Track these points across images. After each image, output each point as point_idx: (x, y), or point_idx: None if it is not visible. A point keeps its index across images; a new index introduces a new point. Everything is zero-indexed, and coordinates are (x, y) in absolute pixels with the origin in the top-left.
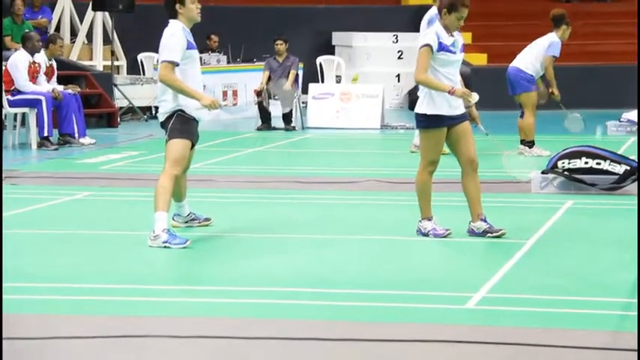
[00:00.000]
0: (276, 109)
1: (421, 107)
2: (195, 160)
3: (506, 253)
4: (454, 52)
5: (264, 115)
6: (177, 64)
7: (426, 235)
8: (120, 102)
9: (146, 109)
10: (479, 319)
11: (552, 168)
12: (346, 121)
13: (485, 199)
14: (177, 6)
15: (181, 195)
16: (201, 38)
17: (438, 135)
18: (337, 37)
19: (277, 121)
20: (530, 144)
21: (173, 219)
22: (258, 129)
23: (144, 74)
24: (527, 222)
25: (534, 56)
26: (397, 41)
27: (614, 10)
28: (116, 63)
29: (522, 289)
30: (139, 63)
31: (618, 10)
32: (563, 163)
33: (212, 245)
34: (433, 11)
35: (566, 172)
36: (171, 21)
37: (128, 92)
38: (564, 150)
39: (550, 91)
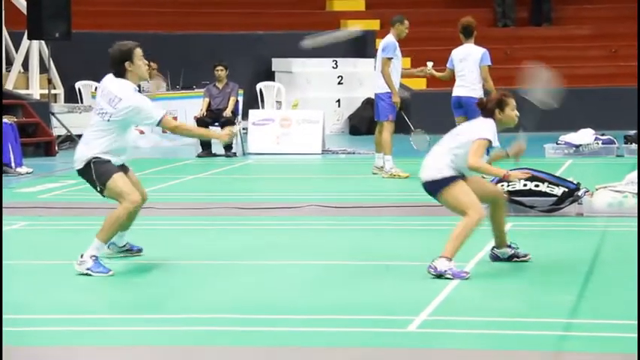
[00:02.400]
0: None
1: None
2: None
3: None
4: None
5: (205, 142)
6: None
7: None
8: (58, 130)
9: None
10: (420, 342)
11: None
12: (287, 147)
13: (425, 222)
14: (127, 64)
15: (127, 226)
16: None
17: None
18: (277, 63)
19: (218, 148)
20: None
21: (108, 247)
22: (199, 156)
23: (82, 102)
24: (467, 244)
25: (474, 76)
26: (337, 67)
27: (550, 35)
28: (53, 91)
29: (463, 312)
30: (77, 91)
31: (554, 34)
32: (502, 185)
33: (152, 273)
34: (389, 39)
35: (505, 195)
36: (120, 81)
37: (66, 120)
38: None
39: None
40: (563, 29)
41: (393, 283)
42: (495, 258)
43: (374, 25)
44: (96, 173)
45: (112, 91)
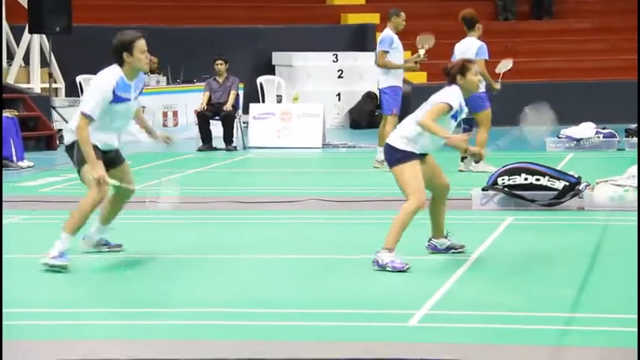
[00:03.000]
0: (217, 130)
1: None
2: (135, 181)
3: (449, 269)
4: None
5: (206, 136)
6: (93, 120)
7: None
8: (59, 124)
9: None
10: (421, 336)
11: (492, 185)
12: (287, 141)
13: (425, 216)
14: (125, 55)
15: (110, 219)
16: None
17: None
18: (277, 57)
19: (218, 142)
20: (477, 160)
21: (83, 239)
22: (199, 149)
23: (82, 94)
24: (468, 239)
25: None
26: (337, 60)
27: (551, 28)
28: (54, 85)
29: (465, 306)
30: (78, 85)
31: (555, 27)
32: (503, 179)
33: (150, 267)
34: (386, 32)
35: (506, 189)
36: (111, 67)
37: (67, 114)
38: (504, 166)
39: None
40: (563, 23)
41: (393, 277)
42: (433, 248)
43: (374, 18)
44: (77, 155)
45: (97, 77)
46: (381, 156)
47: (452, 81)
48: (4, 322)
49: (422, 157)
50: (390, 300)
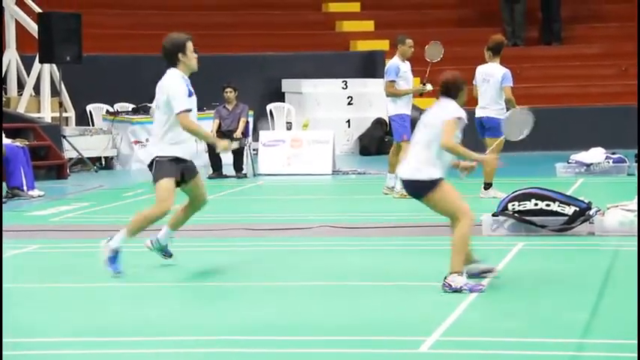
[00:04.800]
0: (226, 157)
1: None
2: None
3: (459, 296)
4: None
5: (216, 163)
6: (190, 110)
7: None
8: (69, 153)
9: (96, 160)
10: None
11: (503, 210)
12: (297, 168)
13: (437, 243)
14: (180, 55)
15: (178, 226)
16: (150, 88)
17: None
18: (287, 84)
19: (228, 169)
20: (487, 186)
21: (150, 242)
22: (210, 177)
23: (93, 125)
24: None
25: (494, 97)
26: (346, 87)
27: (560, 54)
28: (64, 114)
29: (476, 332)
30: (88, 114)
31: (564, 53)
32: (513, 205)
33: (163, 294)
34: (392, 61)
35: (516, 214)
36: (169, 70)
37: (77, 143)
38: (514, 192)
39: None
40: (573, 48)
41: (404, 304)
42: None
43: (383, 45)
44: (155, 171)
45: (161, 81)
46: (391, 182)
47: (451, 96)
48: (22, 352)
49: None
50: (400, 326)
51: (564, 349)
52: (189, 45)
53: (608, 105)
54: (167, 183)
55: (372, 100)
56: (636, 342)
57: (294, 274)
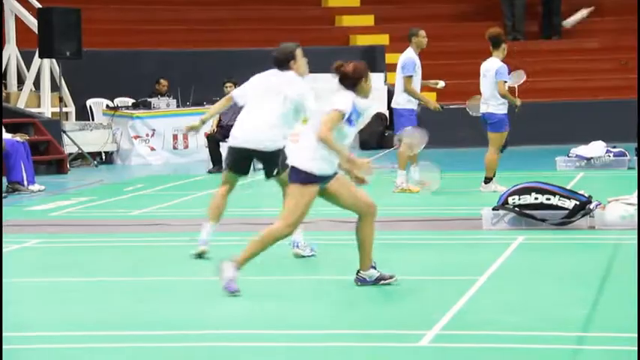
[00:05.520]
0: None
1: None
2: (146, 204)
3: (459, 290)
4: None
5: (216, 158)
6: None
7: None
8: (69, 148)
9: (96, 155)
10: (433, 357)
11: (503, 204)
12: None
13: (437, 237)
14: (292, 62)
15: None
16: (150, 82)
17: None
18: None
19: None
20: (487, 180)
21: (296, 246)
22: (210, 172)
23: (93, 120)
24: (479, 258)
25: (489, 92)
26: None
27: (560, 48)
28: (64, 109)
29: (476, 326)
30: (88, 109)
31: (564, 47)
32: (513, 199)
33: (164, 290)
34: (407, 54)
35: (516, 208)
36: (289, 73)
37: (77, 138)
38: (514, 186)
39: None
40: (573, 42)
41: (404, 298)
42: (362, 281)
43: (383, 40)
44: (282, 159)
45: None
46: (399, 179)
47: (349, 86)
48: (23, 347)
49: (327, 178)
50: (400, 320)
51: (565, 342)
52: (299, 52)
53: (609, 99)
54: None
55: (372, 94)
56: (636, 335)
57: (294, 268)
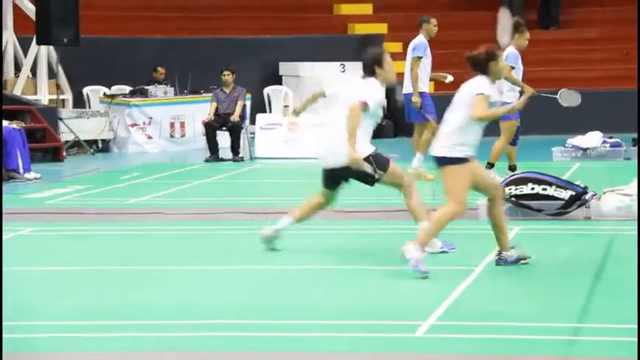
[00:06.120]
0: (224, 140)
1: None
2: (142, 192)
3: (455, 280)
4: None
5: (213, 146)
6: (367, 109)
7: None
8: (66, 136)
9: (92, 143)
10: (429, 347)
11: None
12: (294, 151)
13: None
14: (376, 68)
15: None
16: (147, 70)
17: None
18: (284, 68)
19: (225, 152)
20: (489, 166)
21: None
22: (207, 160)
23: (90, 107)
24: (475, 249)
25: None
26: (344, 70)
27: (558, 38)
28: (61, 97)
29: (472, 316)
30: (85, 96)
31: (562, 37)
32: (510, 189)
33: (159, 279)
34: (420, 38)
35: (513, 199)
36: (369, 81)
37: (74, 126)
38: (511, 176)
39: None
40: (571, 32)
41: (400, 288)
42: (504, 262)
43: (381, 28)
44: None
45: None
46: (416, 163)
47: (482, 71)
48: (21, 335)
49: (469, 159)
50: (396, 311)
51: (561, 333)
52: (387, 57)
53: (606, 89)
54: (396, 166)
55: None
56: (636, 326)
57: (290, 258)
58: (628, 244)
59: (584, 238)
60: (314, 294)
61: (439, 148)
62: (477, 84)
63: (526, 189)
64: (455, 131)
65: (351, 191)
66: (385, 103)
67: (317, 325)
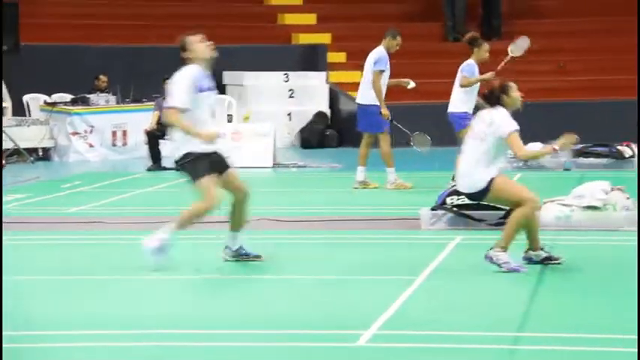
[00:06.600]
0: (166, 149)
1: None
2: (83, 201)
3: (397, 289)
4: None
5: (155, 155)
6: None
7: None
8: (5, 144)
9: (32, 151)
10: (371, 356)
11: (441, 204)
12: (238, 160)
13: (374, 236)
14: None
15: (238, 225)
16: (89, 78)
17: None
18: (228, 76)
19: (168, 161)
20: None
21: (224, 248)
22: (149, 169)
23: (30, 115)
24: (417, 258)
25: (456, 90)
26: (288, 80)
27: (500, 49)
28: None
29: (414, 326)
30: (25, 104)
31: (504, 48)
32: (452, 199)
33: (100, 286)
34: (381, 51)
35: (455, 208)
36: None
37: (14, 134)
38: (453, 186)
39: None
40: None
41: (341, 297)
42: (529, 260)
43: (325, 38)
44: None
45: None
46: (361, 176)
47: (497, 103)
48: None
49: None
50: (338, 320)
51: (501, 342)
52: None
53: (547, 100)
54: (207, 181)
55: (313, 93)
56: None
57: (231, 267)
58: (566, 254)
59: (525, 247)
60: (252, 303)
61: (478, 183)
62: (504, 119)
63: (467, 199)
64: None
65: (293, 201)
66: (329, 114)
67: (255, 335)
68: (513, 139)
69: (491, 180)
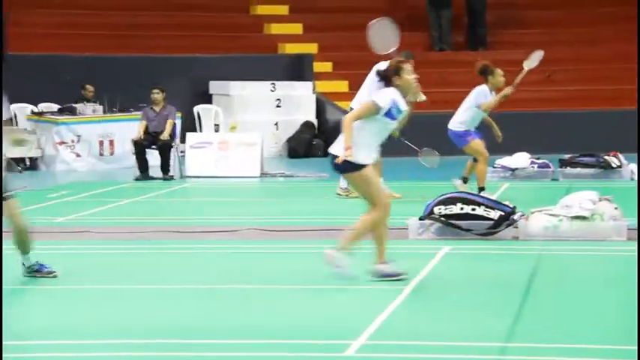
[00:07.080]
0: (153, 159)
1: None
2: (70, 211)
3: (385, 299)
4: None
5: (142, 165)
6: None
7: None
8: None
9: (20, 161)
10: None
11: (429, 214)
12: (225, 170)
13: (362, 246)
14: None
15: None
16: (75, 88)
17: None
18: (214, 86)
19: (155, 171)
20: (480, 190)
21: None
22: (136, 179)
23: (17, 125)
24: (405, 268)
25: (462, 112)
26: (275, 89)
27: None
28: None
29: (402, 336)
30: (12, 114)
31: (490, 58)
32: (439, 209)
33: (87, 295)
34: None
35: (442, 218)
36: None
37: None
38: (441, 196)
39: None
40: (498, 54)
41: (329, 307)
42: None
43: (311, 48)
44: None
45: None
46: (344, 183)
47: (388, 83)
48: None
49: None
50: (326, 330)
51: (488, 352)
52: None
53: (534, 110)
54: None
55: (300, 102)
56: (634, 345)
57: (219, 276)
58: (554, 264)
59: (512, 257)
60: (241, 313)
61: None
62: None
63: (455, 209)
64: None
65: (281, 210)
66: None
67: (244, 345)
68: (362, 105)
69: (361, 166)
